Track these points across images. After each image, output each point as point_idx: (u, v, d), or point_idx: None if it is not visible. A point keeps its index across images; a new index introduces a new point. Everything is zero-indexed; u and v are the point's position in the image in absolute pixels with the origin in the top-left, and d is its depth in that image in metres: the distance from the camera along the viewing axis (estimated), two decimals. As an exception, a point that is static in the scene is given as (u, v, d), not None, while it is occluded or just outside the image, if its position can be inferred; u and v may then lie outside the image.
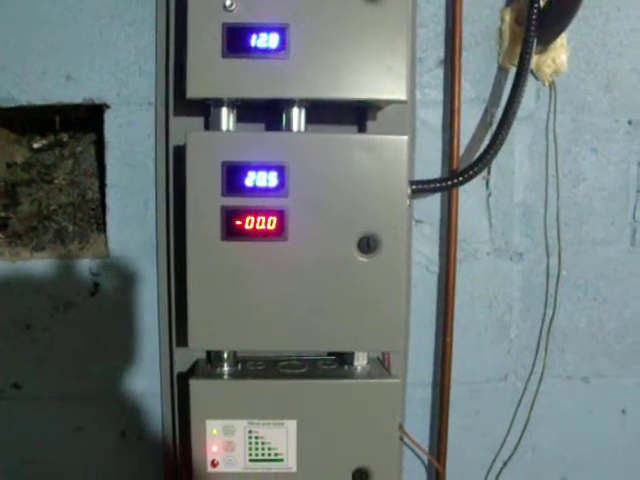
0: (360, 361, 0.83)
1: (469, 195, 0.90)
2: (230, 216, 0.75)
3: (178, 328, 0.86)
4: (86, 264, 0.87)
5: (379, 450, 0.81)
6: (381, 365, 0.86)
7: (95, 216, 0.93)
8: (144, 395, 0.90)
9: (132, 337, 0.89)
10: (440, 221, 0.91)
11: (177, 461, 0.88)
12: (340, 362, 0.85)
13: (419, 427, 0.95)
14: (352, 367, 0.83)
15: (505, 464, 0.95)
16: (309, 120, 0.78)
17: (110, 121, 0.86)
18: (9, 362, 0.88)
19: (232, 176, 0.74)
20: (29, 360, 0.88)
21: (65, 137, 0.95)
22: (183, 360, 0.86)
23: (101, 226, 0.91)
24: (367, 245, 0.76)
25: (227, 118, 0.77)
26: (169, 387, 0.88)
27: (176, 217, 0.83)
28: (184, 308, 0.77)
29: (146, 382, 0.89)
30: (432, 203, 0.91)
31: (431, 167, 0.89)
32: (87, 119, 0.90)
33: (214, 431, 0.79)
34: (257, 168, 0.74)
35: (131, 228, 0.88)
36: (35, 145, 0.96)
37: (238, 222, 0.75)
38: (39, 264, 0.88)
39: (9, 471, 0.89)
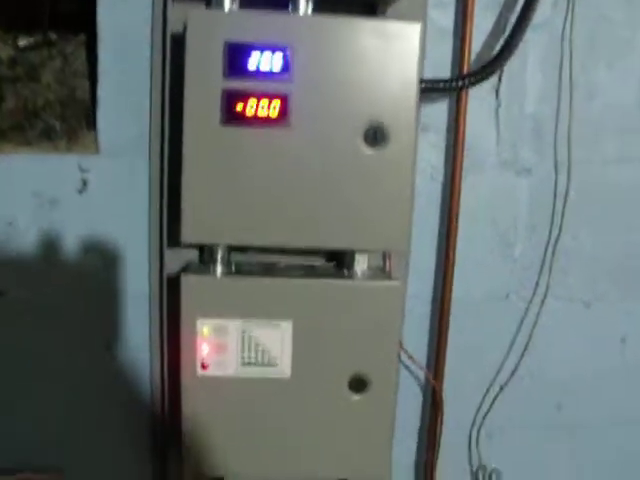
0: (360, 265, 0.79)
1: (478, 104, 0.86)
2: (231, 100, 0.71)
3: (170, 228, 0.81)
4: (74, 160, 0.82)
5: (378, 357, 0.78)
6: (382, 272, 0.82)
7: (85, 114, 0.87)
8: (132, 298, 0.85)
9: (121, 237, 0.84)
10: (447, 129, 0.87)
11: (164, 367, 0.84)
12: (340, 266, 0.81)
13: (416, 344, 0.91)
14: (352, 271, 0.79)
15: (502, 389, 0.92)
16: (316, 9, 0.73)
17: (103, 9, 0.80)
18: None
19: (235, 57, 0.70)
20: (12, 262, 0.82)
21: (54, 36, 0.89)
22: (174, 262, 0.82)
23: (91, 125, 0.85)
24: (374, 137, 0.72)
25: None
26: (158, 290, 0.84)
27: (172, 108, 0.78)
28: (176, 207, 0.73)
29: (134, 285, 0.85)
30: (439, 109, 0.86)
31: (441, 70, 0.85)
32: (79, 15, 0.82)
33: (205, 330, 0.75)
34: (262, 49, 0.70)
35: (123, 123, 0.83)
36: (21, 43, 0.90)
37: (239, 106, 0.71)
38: (23, 159, 0.83)
39: None
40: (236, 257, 0.79)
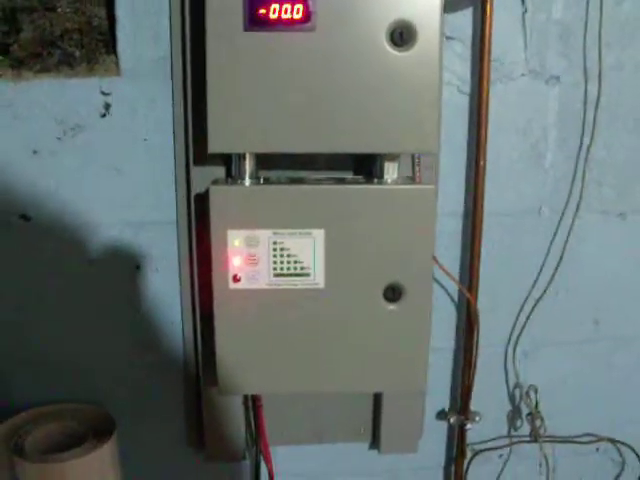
0: (390, 174, 0.79)
1: (504, 11, 0.85)
2: (254, 4, 0.70)
3: (195, 147, 0.82)
4: (96, 83, 0.83)
5: (412, 265, 0.78)
6: (412, 180, 0.83)
7: (104, 41, 0.87)
8: (160, 223, 0.87)
9: (146, 160, 0.85)
10: (472, 39, 0.86)
11: (194, 286, 0.86)
12: (369, 177, 0.82)
13: (449, 260, 0.92)
14: (382, 180, 0.79)
15: (537, 303, 0.91)
16: None
17: None
18: (16, 192, 0.84)
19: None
20: (37, 189, 0.84)
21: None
22: (201, 181, 0.82)
23: (111, 50, 0.85)
24: (400, 37, 0.72)
25: None
26: (186, 211, 0.85)
27: (193, 25, 0.78)
28: (200, 126, 0.74)
29: (161, 208, 0.86)
30: (464, 18, 0.86)
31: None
32: None
33: (236, 242, 0.76)
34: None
35: (144, 44, 0.83)
36: (36, -26, 0.89)
37: (262, 10, 0.71)
38: (45, 85, 0.83)
39: (18, 307, 0.87)
40: (264, 174, 0.80)
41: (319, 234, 0.76)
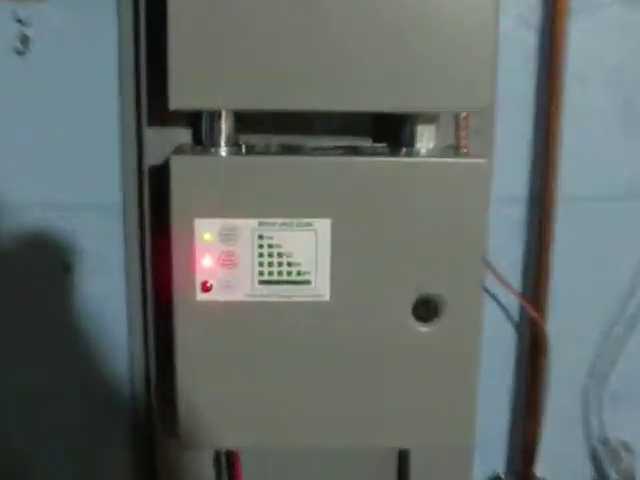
0: (425, 142, 0.80)
1: None
2: None
3: (150, 101, 0.83)
4: (8, 8, 0.84)
5: (454, 271, 0.79)
6: (456, 150, 0.84)
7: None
8: (99, 206, 0.88)
9: (79, 117, 0.87)
10: None
11: (147, 295, 0.86)
12: (393, 148, 0.83)
13: (508, 262, 0.92)
14: (413, 149, 0.80)
15: (632, 325, 0.91)
16: None
17: None
18: None
19: None
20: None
21: None
22: (157, 148, 0.83)
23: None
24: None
25: None
26: (135, 190, 0.87)
27: None
28: (159, 68, 0.75)
29: (101, 186, 0.88)
30: None
31: None
32: None
33: (206, 235, 0.77)
34: None
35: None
36: None
37: None
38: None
39: None
40: (245, 140, 0.81)
41: (323, 226, 0.77)
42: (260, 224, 0.77)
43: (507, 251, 0.92)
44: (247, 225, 0.76)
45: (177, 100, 0.73)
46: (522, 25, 0.88)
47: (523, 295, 0.93)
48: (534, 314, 0.91)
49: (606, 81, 0.90)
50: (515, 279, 0.93)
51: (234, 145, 0.78)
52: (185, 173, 0.76)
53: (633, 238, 0.94)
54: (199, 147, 0.80)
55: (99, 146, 0.85)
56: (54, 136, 0.85)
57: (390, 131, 0.83)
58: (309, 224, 0.76)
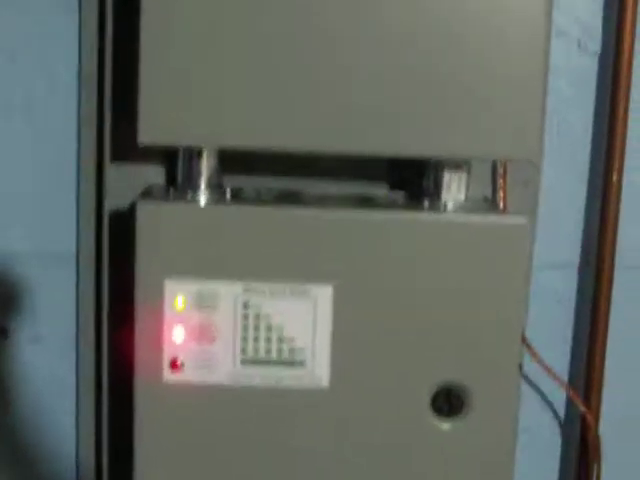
0: (453, 193, 0.81)
1: None
2: None
3: (115, 131, 0.84)
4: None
5: (485, 354, 0.79)
6: (490, 203, 0.85)
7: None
8: (48, 256, 0.89)
9: (27, 146, 0.89)
10: None
11: (102, 371, 0.86)
12: (415, 197, 0.83)
13: (550, 346, 0.92)
14: (438, 202, 0.81)
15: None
16: None
17: None
18: None
19: None
20: None
21: None
22: (121, 188, 0.85)
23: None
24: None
25: None
26: (93, 239, 0.88)
27: None
28: (127, 93, 0.76)
29: (51, 232, 0.89)
30: None
31: None
32: None
33: (179, 301, 0.77)
34: None
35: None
36: None
37: None
38: None
39: None
40: (232, 182, 0.83)
41: (324, 294, 0.78)
42: (245, 290, 0.77)
43: (550, 328, 0.93)
44: (229, 290, 0.77)
45: (148, 134, 0.74)
46: (579, 50, 0.90)
47: (570, 384, 0.93)
48: (583, 409, 0.90)
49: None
50: (561, 364, 0.94)
51: (216, 188, 0.79)
52: (154, 224, 0.76)
53: None
54: (173, 190, 0.81)
55: (50, 182, 0.87)
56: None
57: (410, 176, 0.84)
58: (306, 291, 0.77)
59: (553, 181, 0.88)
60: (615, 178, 0.87)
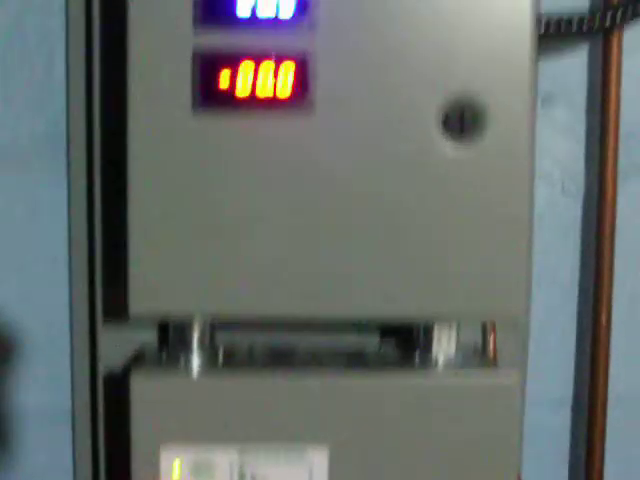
0: (443, 347, 0.82)
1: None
2: (210, 67, 0.74)
3: (105, 294, 0.86)
4: None
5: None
6: (481, 355, 0.85)
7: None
8: (40, 417, 0.89)
9: (25, 312, 0.90)
10: (586, 101, 0.91)
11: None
12: (405, 351, 0.84)
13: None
14: (428, 356, 0.82)
15: None
16: None
17: None
18: None
19: (211, -2, 0.69)
20: None
21: None
22: (115, 349, 0.86)
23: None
24: (460, 121, 0.75)
25: None
26: (88, 399, 0.89)
27: (105, 73, 0.83)
28: (117, 258, 0.77)
29: (46, 393, 0.89)
30: (571, 68, 0.90)
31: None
32: None
33: (176, 470, 0.78)
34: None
35: (19, 108, 0.88)
36: None
37: (224, 78, 0.74)
38: None
39: None
40: (225, 337, 0.83)
41: (320, 456, 0.79)
42: (241, 453, 0.79)
43: (548, 466, 0.95)
44: (226, 457, 0.79)
45: (138, 306, 0.76)
46: (562, 194, 0.92)
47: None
48: None
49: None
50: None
51: (209, 349, 0.81)
52: (148, 393, 0.78)
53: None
54: (166, 353, 0.82)
55: (46, 349, 0.88)
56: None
57: (400, 329, 0.85)
58: (302, 454, 0.78)
59: (540, 321, 0.90)
60: (603, 319, 0.87)
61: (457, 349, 0.82)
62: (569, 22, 0.82)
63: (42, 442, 0.90)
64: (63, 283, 0.89)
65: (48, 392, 0.90)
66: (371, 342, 0.88)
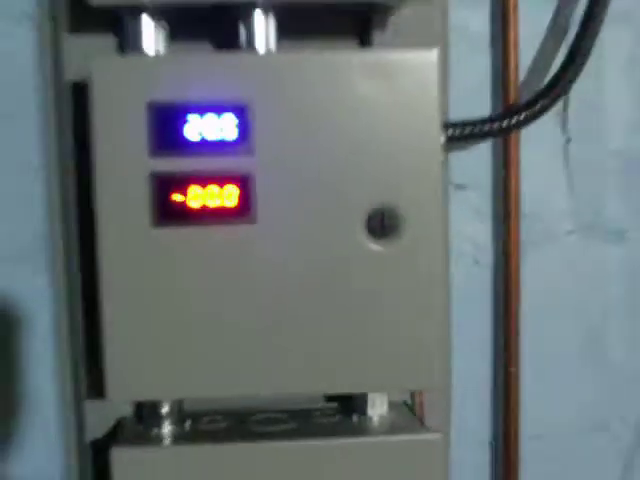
0: (377, 409, 0.86)
1: (536, 144, 0.93)
2: (164, 188, 0.77)
3: (89, 371, 0.88)
4: None
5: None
6: (410, 413, 0.88)
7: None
8: None
9: (15, 395, 0.91)
10: (493, 187, 0.94)
11: None
12: (346, 411, 0.87)
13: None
14: (365, 418, 0.86)
15: None
16: (282, 34, 0.81)
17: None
18: None
19: (165, 124, 0.76)
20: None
21: None
22: (98, 421, 0.88)
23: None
24: (381, 225, 0.78)
25: (153, 35, 0.80)
26: (76, 466, 0.90)
27: (79, 196, 0.85)
28: (96, 339, 0.78)
29: (40, 463, 0.90)
30: (479, 159, 0.94)
31: (475, 101, 0.92)
32: None
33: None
34: (203, 110, 0.76)
35: (6, 220, 0.89)
36: None
37: (177, 197, 0.77)
38: None
39: None
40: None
41: None
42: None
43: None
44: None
45: (115, 394, 0.79)
46: (475, 265, 0.96)
47: None
48: None
49: (565, 312, 0.97)
50: None
51: (178, 417, 0.85)
52: (129, 468, 0.81)
53: (607, 469, 0.99)
54: (141, 426, 0.85)
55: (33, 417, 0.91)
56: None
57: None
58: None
59: (461, 373, 0.94)
60: (512, 370, 0.92)
61: (390, 409, 0.86)
62: (473, 125, 0.85)
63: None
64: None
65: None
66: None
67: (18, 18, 0.88)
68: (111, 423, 0.88)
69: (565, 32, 0.92)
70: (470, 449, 0.97)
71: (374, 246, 0.79)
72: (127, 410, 0.88)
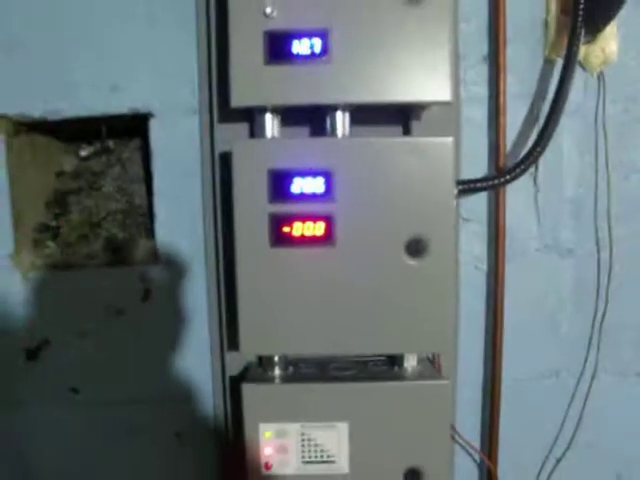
0: (410, 362, 0.85)
1: (516, 192, 0.91)
2: (277, 223, 0.77)
3: (229, 333, 0.88)
4: (137, 271, 0.90)
5: (431, 450, 0.82)
6: (431, 366, 0.87)
7: (144, 222, 0.95)
8: (197, 398, 0.92)
9: (184, 341, 0.92)
10: (488, 219, 0.92)
11: (231, 463, 0.90)
12: (390, 363, 0.87)
13: (470, 427, 0.95)
14: (402, 368, 0.85)
15: (558, 461, 0.96)
16: (353, 122, 0.80)
17: (155, 129, 0.88)
18: (66, 367, 0.92)
19: (278, 183, 0.76)
20: (85, 365, 0.92)
21: (111, 144, 0.98)
22: (235, 364, 0.89)
23: (149, 232, 0.93)
24: (415, 248, 0.77)
25: (271, 124, 0.80)
26: (221, 391, 0.91)
27: (224, 224, 0.85)
28: (234, 314, 0.79)
29: (199, 386, 0.92)
30: (479, 201, 0.91)
31: (477, 164, 0.90)
32: (133, 127, 0.91)
33: (267, 434, 0.81)
34: (303, 174, 0.76)
35: (180, 235, 0.91)
36: (82, 153, 1.00)
37: (286, 229, 0.77)
38: (90, 272, 0.90)
39: (67, 475, 0.93)
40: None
41: (343, 427, 0.81)
42: (302, 426, 0.82)
43: (470, 420, 0.98)
44: (294, 427, 0.82)
45: (246, 350, 0.82)
46: (476, 270, 0.94)
47: (482, 450, 0.96)
48: (489, 463, 0.94)
49: (533, 303, 0.95)
50: (476, 439, 0.97)
51: (284, 366, 0.86)
52: (252, 395, 0.83)
53: (558, 404, 0.99)
54: (261, 370, 0.87)
55: (195, 362, 0.95)
56: (180, 348, 0.94)
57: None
58: (334, 425, 0.82)
59: (465, 337, 0.95)
60: (499, 335, 0.93)
61: (418, 362, 0.86)
62: (476, 182, 0.83)
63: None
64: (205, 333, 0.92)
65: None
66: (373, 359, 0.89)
67: (187, 111, 0.89)
68: (242, 366, 0.89)
69: (536, 120, 0.90)
70: (469, 390, 0.97)
71: (411, 261, 0.78)
72: (252, 358, 0.89)
